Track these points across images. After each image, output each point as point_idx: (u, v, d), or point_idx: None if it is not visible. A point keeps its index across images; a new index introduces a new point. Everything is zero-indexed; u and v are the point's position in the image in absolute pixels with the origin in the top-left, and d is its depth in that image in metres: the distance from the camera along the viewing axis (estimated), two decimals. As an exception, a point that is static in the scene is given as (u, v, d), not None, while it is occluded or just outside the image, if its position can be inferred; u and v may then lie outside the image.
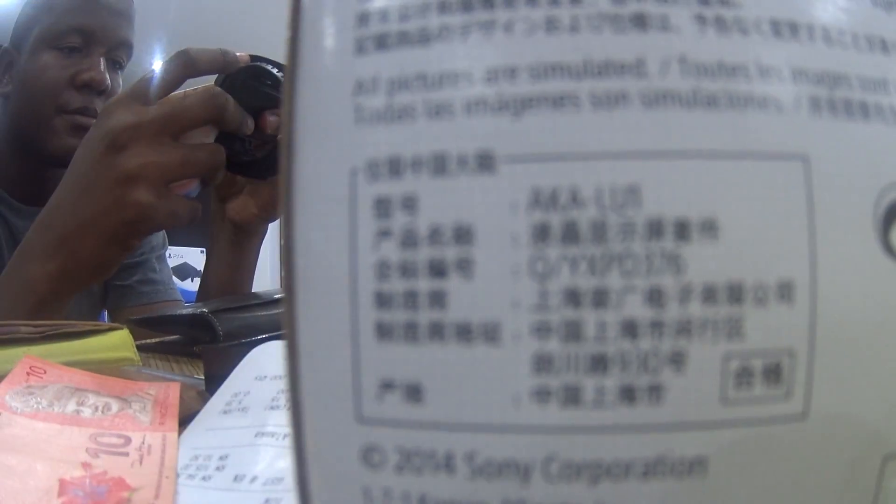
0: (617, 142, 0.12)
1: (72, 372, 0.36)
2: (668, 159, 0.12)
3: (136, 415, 0.32)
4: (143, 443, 0.30)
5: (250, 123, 0.56)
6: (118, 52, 0.87)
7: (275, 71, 0.57)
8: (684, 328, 0.11)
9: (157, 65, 0.55)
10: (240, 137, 0.57)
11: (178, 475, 0.27)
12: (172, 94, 0.54)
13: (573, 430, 0.12)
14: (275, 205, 0.72)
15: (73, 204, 0.54)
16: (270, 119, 0.57)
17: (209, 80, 0.57)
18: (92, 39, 0.84)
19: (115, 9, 0.86)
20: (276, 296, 0.66)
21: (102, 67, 0.84)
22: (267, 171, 0.63)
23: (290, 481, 0.15)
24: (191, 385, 0.39)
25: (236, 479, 0.27)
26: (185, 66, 0.54)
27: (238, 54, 0.57)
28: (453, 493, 0.12)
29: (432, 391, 0.12)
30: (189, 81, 0.56)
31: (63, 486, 0.24)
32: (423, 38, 0.12)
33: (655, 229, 0.12)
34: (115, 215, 0.53)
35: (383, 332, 0.12)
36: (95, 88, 0.84)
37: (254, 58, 0.58)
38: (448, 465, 0.12)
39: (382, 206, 0.12)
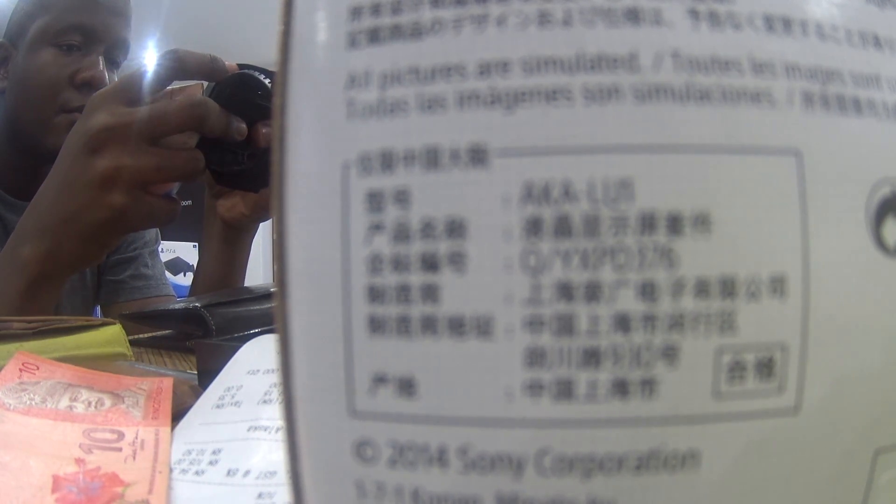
0: (609, 136, 0.12)
1: (64, 368, 0.36)
2: (660, 153, 0.12)
3: (129, 410, 0.32)
4: (136, 438, 0.29)
5: (242, 129, 0.55)
6: (116, 50, 0.87)
7: (263, 79, 0.57)
8: (677, 322, 0.11)
9: (148, 61, 0.55)
10: (231, 150, 0.57)
11: (171, 470, 0.27)
12: (159, 94, 0.54)
13: (566, 424, 0.12)
14: (264, 207, 0.72)
15: (55, 199, 0.55)
16: (263, 132, 0.57)
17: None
18: (92, 38, 0.84)
19: (115, 8, 0.86)
20: (269, 290, 0.65)
21: (102, 66, 0.84)
22: (259, 182, 0.62)
23: (283, 475, 0.15)
24: (184, 380, 0.39)
25: (229, 473, 0.27)
26: (173, 67, 0.54)
27: (227, 63, 0.56)
28: (446, 487, 0.12)
29: (425, 385, 0.12)
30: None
31: (57, 483, 0.24)
32: (416, 32, 0.12)
33: (648, 223, 0.12)
34: (91, 214, 0.53)
35: (376, 325, 0.12)
36: (95, 87, 0.83)
37: (242, 66, 0.57)
38: (441, 458, 0.12)
39: (375, 200, 0.12)
